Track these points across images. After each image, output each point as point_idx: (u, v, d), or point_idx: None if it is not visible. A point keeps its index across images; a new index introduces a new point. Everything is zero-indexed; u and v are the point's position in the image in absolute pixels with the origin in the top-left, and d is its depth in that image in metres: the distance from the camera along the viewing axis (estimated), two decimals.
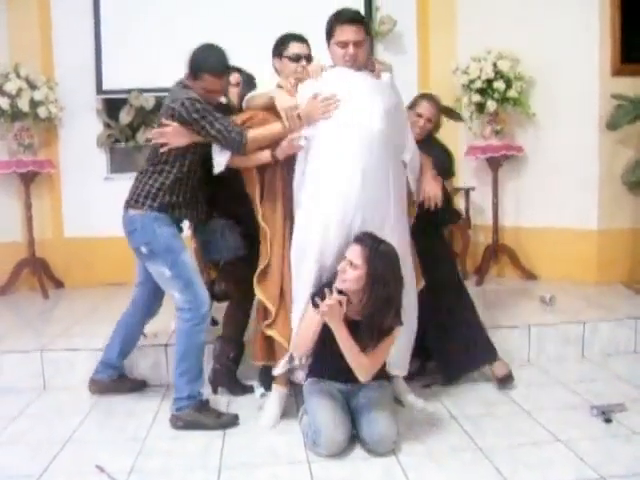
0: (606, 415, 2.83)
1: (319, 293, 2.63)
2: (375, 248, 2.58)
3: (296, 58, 3.16)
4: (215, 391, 3.31)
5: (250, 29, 5.34)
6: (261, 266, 2.95)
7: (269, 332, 2.92)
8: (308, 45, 3.25)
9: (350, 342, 2.58)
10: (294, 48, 3.19)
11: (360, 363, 2.62)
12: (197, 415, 2.91)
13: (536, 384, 3.35)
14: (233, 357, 3.33)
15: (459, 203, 5.45)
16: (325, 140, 2.84)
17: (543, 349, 3.73)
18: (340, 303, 2.54)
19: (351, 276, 2.57)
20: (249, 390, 3.33)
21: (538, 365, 3.63)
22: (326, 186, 2.80)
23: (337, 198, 2.76)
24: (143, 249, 2.95)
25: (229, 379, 3.33)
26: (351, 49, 2.87)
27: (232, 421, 2.94)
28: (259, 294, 2.95)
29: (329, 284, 2.65)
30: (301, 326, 2.78)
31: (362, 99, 2.87)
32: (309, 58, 3.18)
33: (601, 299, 4.34)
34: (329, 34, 2.93)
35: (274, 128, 2.91)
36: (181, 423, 2.91)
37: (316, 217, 2.80)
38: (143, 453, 2.69)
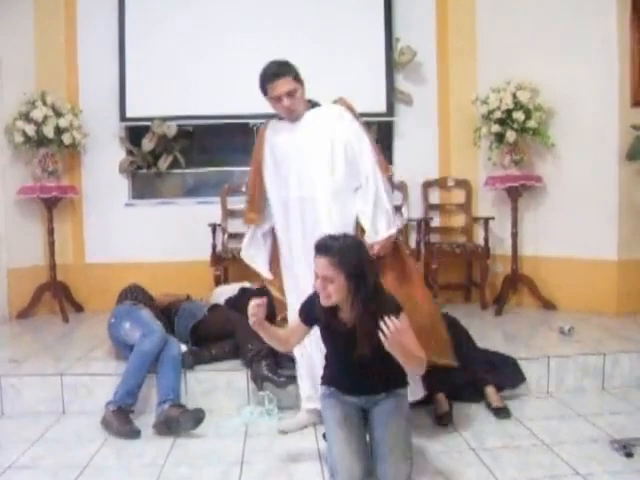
0: (627, 449, 2.79)
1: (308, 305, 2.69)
2: (337, 249, 2.49)
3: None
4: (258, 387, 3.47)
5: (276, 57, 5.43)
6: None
7: None
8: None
9: (412, 353, 2.44)
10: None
11: (415, 364, 2.49)
12: (111, 416, 3.17)
13: (556, 416, 3.32)
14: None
15: (478, 233, 5.45)
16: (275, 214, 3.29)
17: (562, 381, 3.69)
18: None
19: (333, 289, 2.49)
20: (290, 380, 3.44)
21: (557, 397, 3.59)
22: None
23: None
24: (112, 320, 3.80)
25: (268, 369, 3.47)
26: (285, 101, 3.06)
27: (130, 434, 3.13)
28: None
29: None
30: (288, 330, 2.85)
31: (298, 163, 3.13)
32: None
33: (621, 330, 4.30)
34: (263, 91, 3.13)
35: None
36: (102, 418, 3.22)
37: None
38: (161, 479, 2.69)
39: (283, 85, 3.04)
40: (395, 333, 2.33)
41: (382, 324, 2.34)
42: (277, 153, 3.22)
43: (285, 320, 3.27)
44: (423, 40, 5.55)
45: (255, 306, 2.55)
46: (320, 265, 2.50)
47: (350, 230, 3.00)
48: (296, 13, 5.49)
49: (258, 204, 3.33)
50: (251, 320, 2.58)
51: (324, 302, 2.53)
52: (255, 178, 3.32)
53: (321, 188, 3.08)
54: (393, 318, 2.35)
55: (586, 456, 2.79)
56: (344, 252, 2.49)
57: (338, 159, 3.09)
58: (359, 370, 2.60)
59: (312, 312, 2.65)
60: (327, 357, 2.80)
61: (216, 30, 5.46)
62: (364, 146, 3.13)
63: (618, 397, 3.58)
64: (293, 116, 3.13)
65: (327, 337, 2.72)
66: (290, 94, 3.05)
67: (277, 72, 3.06)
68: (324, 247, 2.51)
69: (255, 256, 3.41)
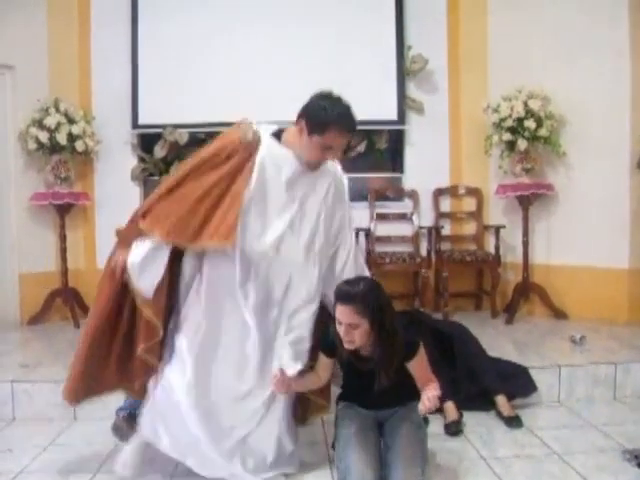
0: (639, 459, 2.78)
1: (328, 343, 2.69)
2: (361, 297, 2.50)
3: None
4: None
5: (285, 70, 5.45)
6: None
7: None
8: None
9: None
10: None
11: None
12: (121, 422, 3.06)
13: (566, 426, 3.30)
14: None
15: (489, 241, 5.44)
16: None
17: (573, 390, 3.68)
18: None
19: (358, 336, 2.53)
20: None
21: (568, 406, 3.58)
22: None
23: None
24: None
25: None
26: (331, 156, 2.65)
27: None
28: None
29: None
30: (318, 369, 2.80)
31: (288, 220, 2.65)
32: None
33: (633, 339, 4.28)
34: (317, 129, 2.53)
35: None
36: (113, 424, 3.07)
37: None
38: None
39: (345, 142, 2.64)
40: (432, 406, 2.46)
41: (423, 397, 2.48)
42: (271, 195, 2.64)
43: (150, 350, 2.67)
44: (435, 48, 5.58)
45: (281, 386, 2.63)
46: (345, 313, 2.51)
47: (313, 301, 2.78)
48: (309, 21, 5.51)
49: (235, 225, 2.57)
50: (282, 391, 2.67)
51: (348, 346, 2.57)
52: (236, 198, 2.58)
53: (304, 256, 2.69)
54: (434, 394, 2.48)
55: (597, 466, 2.78)
56: (367, 298, 2.51)
57: (320, 236, 2.73)
58: (377, 394, 2.66)
59: (332, 347, 2.69)
60: (344, 380, 2.85)
61: (228, 38, 5.49)
62: (349, 235, 2.87)
63: (629, 407, 3.56)
64: (316, 167, 2.69)
65: (348, 370, 2.76)
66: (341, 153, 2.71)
67: (353, 130, 2.62)
68: (347, 296, 2.52)
69: (147, 272, 2.63)
